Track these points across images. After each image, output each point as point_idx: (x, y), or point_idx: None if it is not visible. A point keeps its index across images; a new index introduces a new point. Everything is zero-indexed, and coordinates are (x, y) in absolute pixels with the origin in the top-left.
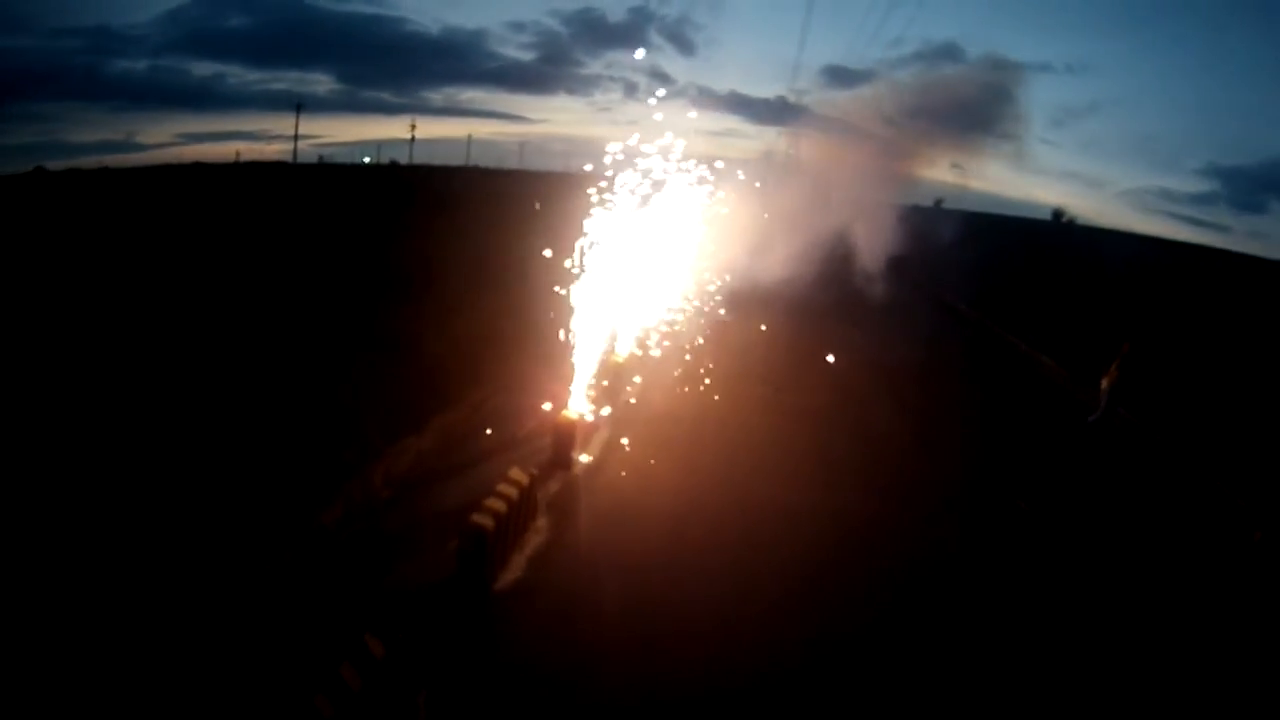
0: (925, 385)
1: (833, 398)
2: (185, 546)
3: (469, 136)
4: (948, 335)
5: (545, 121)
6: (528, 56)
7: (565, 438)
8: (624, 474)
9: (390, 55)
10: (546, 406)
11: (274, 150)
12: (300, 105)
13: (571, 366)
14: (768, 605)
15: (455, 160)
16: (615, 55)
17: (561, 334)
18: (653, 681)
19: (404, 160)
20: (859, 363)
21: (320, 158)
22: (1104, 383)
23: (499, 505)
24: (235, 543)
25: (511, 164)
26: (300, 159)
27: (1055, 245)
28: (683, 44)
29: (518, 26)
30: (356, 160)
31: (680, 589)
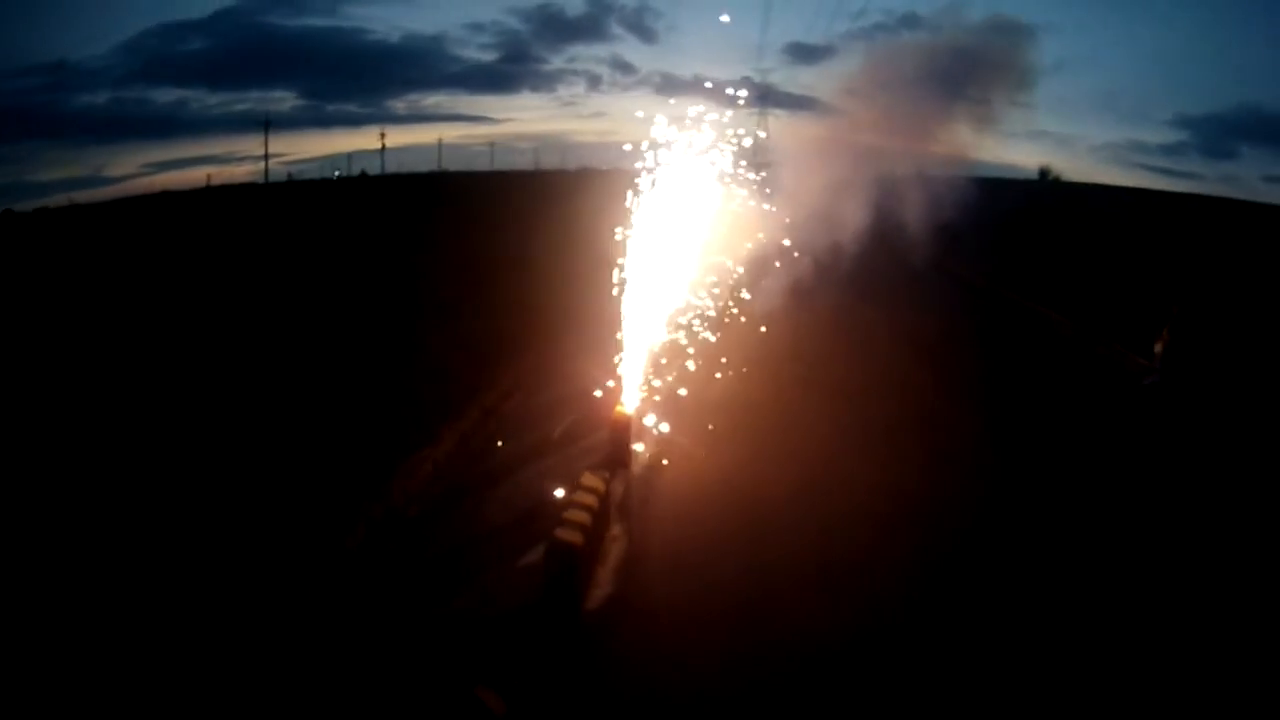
0: (953, 354)
1: (865, 372)
2: (211, 579)
3: (439, 140)
4: (965, 304)
5: (510, 121)
6: (489, 57)
7: (622, 435)
8: (681, 466)
9: (352, 66)
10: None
11: (243, 172)
12: (269, 123)
13: (599, 361)
14: (872, 592)
15: (426, 166)
16: (576, 49)
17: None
18: (790, 701)
19: (374, 171)
20: (884, 335)
21: (289, 175)
22: (1157, 347)
23: (582, 516)
24: (262, 574)
25: (482, 166)
26: (270, 178)
27: (1049, 203)
28: (643, 32)
29: (477, 28)
30: (327, 175)
31: (774, 585)
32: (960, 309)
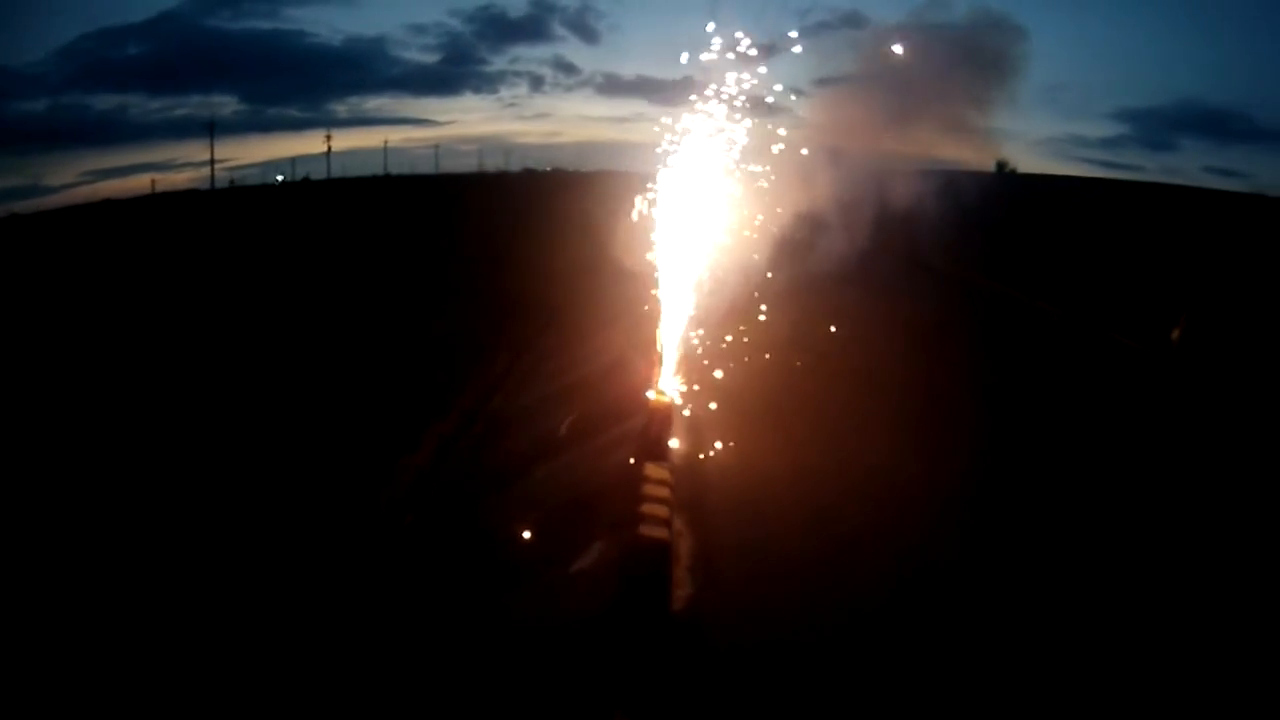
0: (956, 343)
1: (871, 357)
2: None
3: (385, 143)
4: (959, 296)
5: (453, 123)
6: (431, 59)
7: (662, 424)
8: (714, 455)
9: (293, 70)
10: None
11: (184, 179)
12: (214, 125)
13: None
14: (952, 563)
15: (370, 170)
16: (519, 50)
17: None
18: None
19: (319, 176)
20: (888, 328)
21: (232, 181)
22: (1174, 333)
23: (663, 511)
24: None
25: (427, 169)
26: (215, 184)
27: (1017, 195)
28: (586, 32)
29: (419, 29)
30: (269, 180)
31: (850, 569)
32: (955, 301)
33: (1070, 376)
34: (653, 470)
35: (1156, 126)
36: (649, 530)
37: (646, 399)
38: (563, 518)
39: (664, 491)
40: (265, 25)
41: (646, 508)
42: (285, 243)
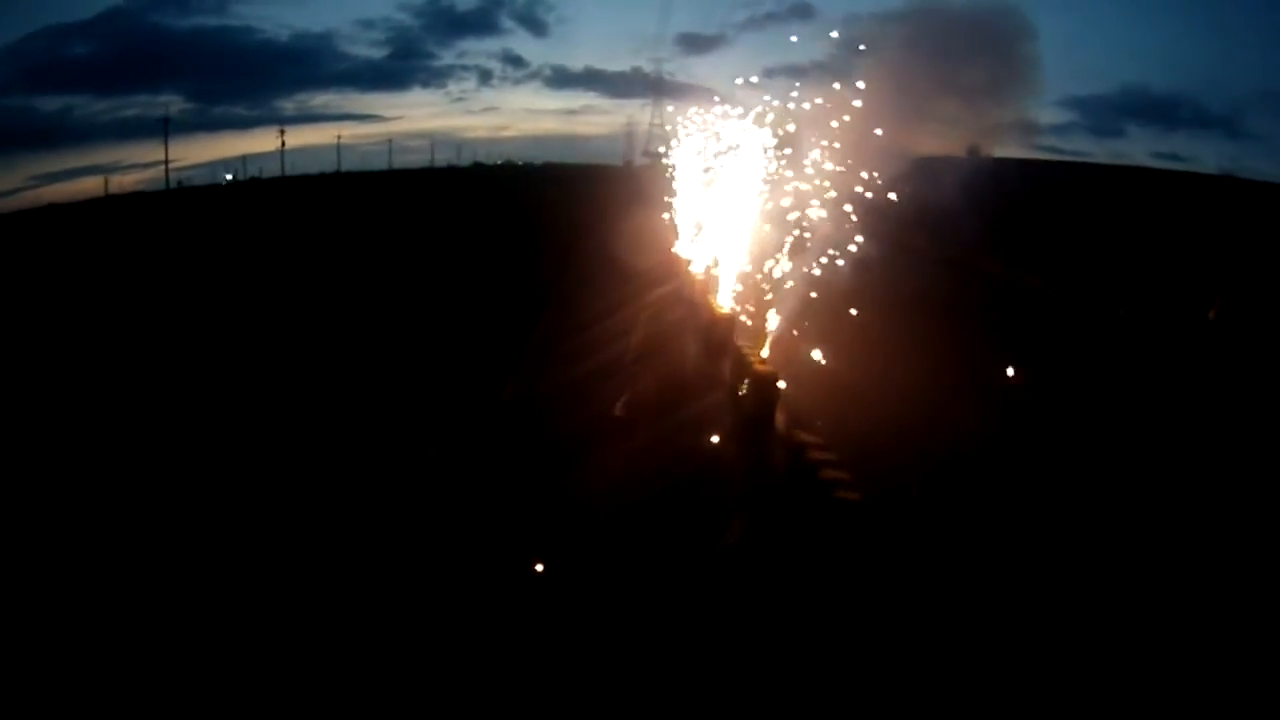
0: (954, 312)
1: (888, 335)
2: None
3: (338, 139)
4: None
5: (400, 118)
6: (379, 54)
7: (770, 398)
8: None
9: (240, 67)
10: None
11: (132, 180)
12: (168, 122)
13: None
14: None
15: (320, 168)
16: (467, 44)
17: None
18: None
19: (271, 173)
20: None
21: (180, 182)
22: (1211, 314)
23: (842, 474)
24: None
25: (378, 165)
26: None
27: (988, 180)
28: (534, 25)
29: (367, 24)
30: (218, 180)
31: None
32: (949, 279)
33: (1058, 343)
34: (803, 435)
35: (1104, 113)
36: (845, 494)
37: (755, 372)
38: (678, 497)
39: (832, 455)
40: (212, 22)
41: (825, 472)
42: (244, 246)
